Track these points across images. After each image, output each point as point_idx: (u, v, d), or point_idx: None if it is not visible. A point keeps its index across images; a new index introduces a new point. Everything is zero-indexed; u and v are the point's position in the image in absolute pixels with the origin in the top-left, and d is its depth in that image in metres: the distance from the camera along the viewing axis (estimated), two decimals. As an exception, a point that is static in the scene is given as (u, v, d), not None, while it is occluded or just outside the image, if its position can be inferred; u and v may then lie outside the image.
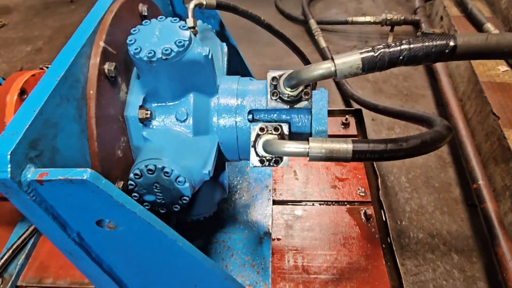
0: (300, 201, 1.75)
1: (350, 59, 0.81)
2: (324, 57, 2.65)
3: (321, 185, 1.81)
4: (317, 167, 1.88)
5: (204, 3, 1.19)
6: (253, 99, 1.12)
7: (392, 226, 1.66)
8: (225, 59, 1.33)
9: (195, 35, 1.17)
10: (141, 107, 1.02)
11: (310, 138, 0.87)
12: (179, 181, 0.94)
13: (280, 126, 1.06)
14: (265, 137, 0.98)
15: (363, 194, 1.74)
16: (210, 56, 1.01)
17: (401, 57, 0.80)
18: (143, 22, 1.00)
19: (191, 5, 1.15)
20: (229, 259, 1.50)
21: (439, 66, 2.40)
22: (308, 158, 0.86)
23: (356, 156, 0.83)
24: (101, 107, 0.87)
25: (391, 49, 0.79)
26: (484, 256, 1.58)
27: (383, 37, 2.87)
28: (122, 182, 0.97)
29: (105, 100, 0.90)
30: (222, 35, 1.52)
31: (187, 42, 0.94)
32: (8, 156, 0.59)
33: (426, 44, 0.78)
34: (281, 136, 1.03)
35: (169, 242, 0.80)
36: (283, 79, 0.99)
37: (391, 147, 0.84)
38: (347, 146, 0.83)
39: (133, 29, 0.98)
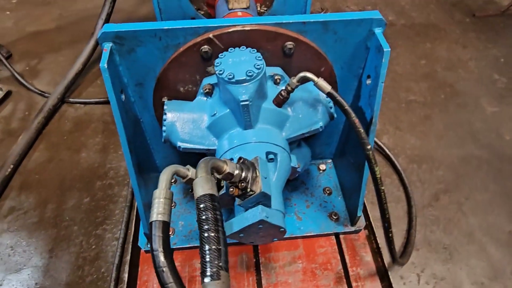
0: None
1: (201, 188, 0.93)
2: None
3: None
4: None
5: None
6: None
7: None
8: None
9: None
10: (209, 84, 1.43)
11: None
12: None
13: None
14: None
15: None
16: (245, 103, 1.25)
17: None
18: (229, 49, 1.34)
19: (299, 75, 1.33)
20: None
21: None
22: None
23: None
24: (180, 61, 1.38)
25: (205, 216, 0.87)
26: None
27: None
28: (167, 99, 1.51)
29: (187, 60, 1.38)
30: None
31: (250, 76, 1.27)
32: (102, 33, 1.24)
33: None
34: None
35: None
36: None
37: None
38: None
39: (221, 54, 1.35)
